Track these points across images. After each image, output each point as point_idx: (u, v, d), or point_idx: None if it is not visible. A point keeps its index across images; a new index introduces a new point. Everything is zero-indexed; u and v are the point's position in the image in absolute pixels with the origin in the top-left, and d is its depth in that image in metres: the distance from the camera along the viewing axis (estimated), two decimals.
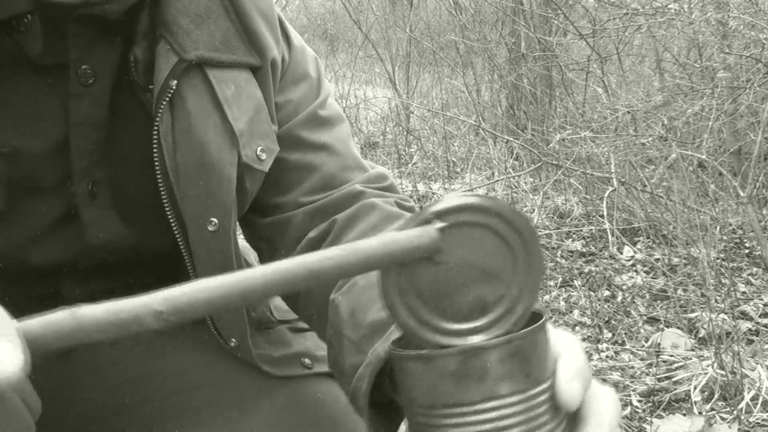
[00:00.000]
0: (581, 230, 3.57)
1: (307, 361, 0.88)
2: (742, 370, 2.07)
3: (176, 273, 0.85)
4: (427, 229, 0.49)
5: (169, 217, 0.77)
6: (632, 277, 3.03)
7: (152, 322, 0.43)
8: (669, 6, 3.86)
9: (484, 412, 0.49)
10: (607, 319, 2.68)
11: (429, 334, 0.50)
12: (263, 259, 0.91)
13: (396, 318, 0.51)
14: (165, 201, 0.76)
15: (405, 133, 5.66)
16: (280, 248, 0.85)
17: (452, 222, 0.50)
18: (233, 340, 0.84)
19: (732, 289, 2.70)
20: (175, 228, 0.77)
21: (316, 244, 0.82)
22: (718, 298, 2.64)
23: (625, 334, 2.56)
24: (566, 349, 0.53)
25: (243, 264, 0.87)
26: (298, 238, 0.84)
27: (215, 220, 0.76)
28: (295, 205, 0.85)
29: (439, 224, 0.49)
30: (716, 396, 2.07)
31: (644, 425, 2.00)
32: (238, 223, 0.88)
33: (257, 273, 0.45)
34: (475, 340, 0.50)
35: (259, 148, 0.79)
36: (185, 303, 0.44)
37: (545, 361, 0.51)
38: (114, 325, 0.43)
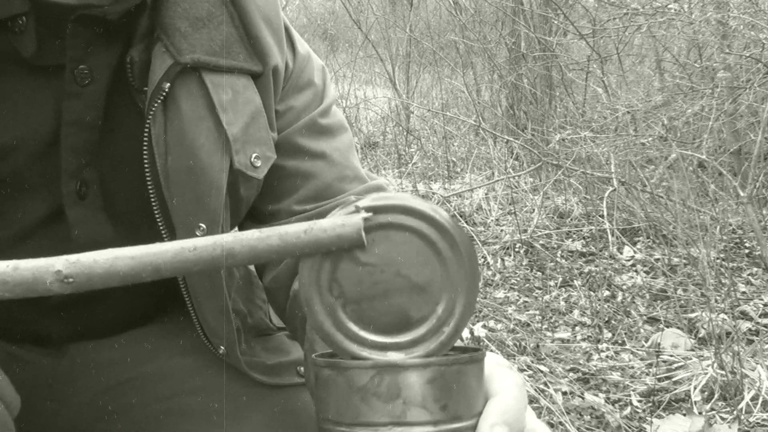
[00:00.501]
0: (581, 230, 3.57)
1: (302, 369, 0.88)
2: (742, 370, 2.07)
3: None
4: (352, 218, 0.45)
5: (158, 220, 0.76)
6: (632, 277, 3.03)
7: (54, 283, 0.42)
8: (669, 6, 3.86)
9: None
10: (607, 319, 2.68)
11: (344, 341, 0.47)
12: (257, 266, 0.91)
13: (311, 315, 0.47)
14: (154, 204, 0.76)
15: (405, 133, 5.66)
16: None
17: (382, 221, 0.46)
18: (222, 347, 0.84)
19: (732, 289, 2.70)
20: (163, 231, 0.77)
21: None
22: (718, 298, 2.64)
23: (625, 334, 2.56)
24: (502, 390, 0.48)
25: (233, 271, 0.86)
26: None
27: (203, 225, 0.75)
28: (289, 213, 0.84)
29: (365, 214, 0.45)
30: (716, 396, 2.07)
31: (644, 425, 2.00)
32: (237, 229, 0.87)
33: (170, 248, 0.43)
34: (393, 357, 0.46)
35: (253, 155, 0.78)
36: (89, 267, 0.42)
37: (471, 399, 0.46)
38: (17, 283, 0.42)
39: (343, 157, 0.87)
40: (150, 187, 0.75)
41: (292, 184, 0.84)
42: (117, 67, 0.75)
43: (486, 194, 4.08)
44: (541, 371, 2.29)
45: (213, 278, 0.78)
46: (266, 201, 0.85)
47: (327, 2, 10.89)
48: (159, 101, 0.73)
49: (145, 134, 0.74)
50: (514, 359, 2.35)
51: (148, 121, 0.73)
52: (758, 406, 1.99)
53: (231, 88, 0.76)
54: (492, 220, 3.82)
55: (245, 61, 0.78)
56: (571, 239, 3.53)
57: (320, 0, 11.05)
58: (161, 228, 0.76)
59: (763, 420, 1.96)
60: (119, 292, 0.83)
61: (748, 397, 2.02)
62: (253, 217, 0.86)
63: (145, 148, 0.74)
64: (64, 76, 0.72)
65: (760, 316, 2.61)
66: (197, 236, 0.74)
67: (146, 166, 0.74)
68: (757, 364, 2.16)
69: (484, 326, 2.61)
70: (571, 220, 3.76)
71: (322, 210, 0.83)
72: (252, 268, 0.94)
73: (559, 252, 3.37)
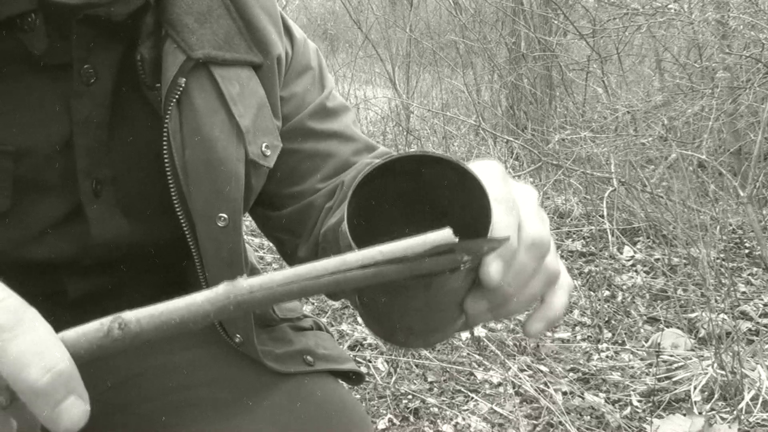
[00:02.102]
0: (581, 230, 3.57)
1: (309, 358, 0.89)
2: (742, 370, 2.07)
3: (182, 268, 0.86)
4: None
5: (178, 213, 0.78)
6: (632, 277, 3.03)
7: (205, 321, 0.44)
8: (669, 6, 3.86)
9: None
10: (607, 319, 2.68)
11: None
12: (284, 250, 0.92)
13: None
14: (174, 198, 0.77)
15: (405, 133, 5.66)
16: (304, 234, 0.87)
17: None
18: (238, 336, 0.85)
19: (732, 289, 2.70)
20: (183, 224, 0.78)
21: (329, 211, 0.85)
22: (718, 298, 2.64)
23: (625, 334, 2.56)
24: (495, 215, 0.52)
25: (249, 261, 0.88)
26: (317, 219, 0.86)
27: (224, 215, 0.77)
28: (313, 191, 0.87)
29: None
30: (716, 396, 2.07)
31: (644, 425, 2.00)
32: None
33: (324, 274, 0.45)
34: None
35: (263, 145, 0.80)
36: (249, 304, 0.44)
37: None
38: (172, 327, 0.43)
39: (353, 132, 0.91)
40: (170, 181, 0.76)
41: (313, 164, 0.87)
42: (123, 64, 0.75)
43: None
44: (541, 371, 2.29)
45: (233, 268, 0.80)
46: (287, 185, 0.87)
47: (327, 2, 10.89)
48: (176, 97, 0.74)
49: (164, 130, 0.75)
50: (514, 359, 2.35)
51: (167, 118, 0.74)
52: (758, 406, 1.99)
53: (237, 81, 0.78)
54: None
55: (246, 53, 0.80)
56: (571, 239, 3.53)
57: (320, 0, 11.05)
58: (181, 220, 0.78)
59: (763, 420, 1.96)
60: (134, 289, 0.84)
61: (748, 397, 2.02)
62: (272, 204, 0.89)
63: (164, 143, 0.75)
64: (71, 76, 0.72)
65: (760, 316, 2.61)
66: (219, 226, 0.77)
67: (165, 160, 0.76)
68: (757, 364, 2.16)
69: (484, 326, 2.61)
70: (571, 220, 3.76)
71: (340, 179, 0.86)
72: (254, 260, 0.95)
73: (559, 252, 3.37)
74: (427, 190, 0.56)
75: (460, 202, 0.55)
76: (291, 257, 0.92)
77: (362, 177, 0.52)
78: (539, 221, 0.56)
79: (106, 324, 0.42)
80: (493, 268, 0.52)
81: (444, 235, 0.46)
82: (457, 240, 0.46)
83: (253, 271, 0.93)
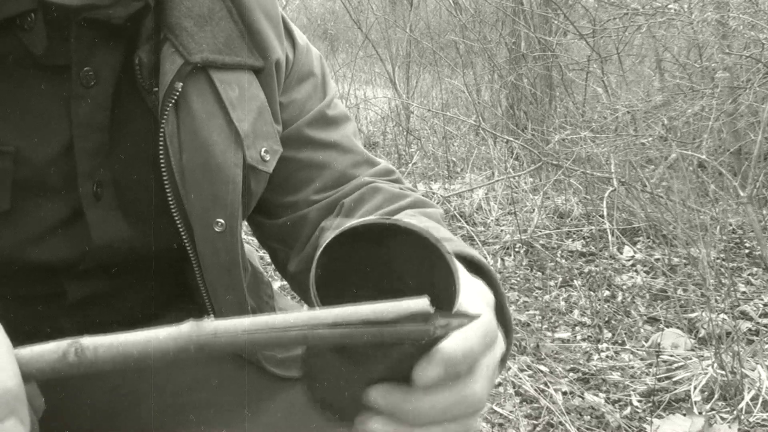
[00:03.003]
0: (581, 230, 3.57)
1: None
2: (742, 370, 2.07)
3: (181, 272, 0.85)
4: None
5: (175, 217, 0.77)
6: (632, 277, 3.03)
7: (245, 346, 0.44)
8: (669, 6, 3.87)
9: None
10: (607, 319, 2.68)
11: None
12: (276, 259, 0.91)
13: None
14: (171, 202, 0.77)
15: (405, 133, 5.66)
16: (296, 246, 0.86)
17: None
18: None
19: (732, 289, 2.70)
20: (181, 228, 0.78)
21: (325, 232, 0.83)
22: (718, 298, 2.64)
23: (625, 334, 2.56)
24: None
25: (248, 265, 0.88)
26: (311, 234, 0.85)
27: (221, 220, 0.77)
28: (308, 203, 0.85)
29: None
30: (716, 396, 2.07)
31: (644, 425, 2.00)
32: (246, 224, 0.88)
33: (326, 323, 0.44)
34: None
35: (263, 149, 0.80)
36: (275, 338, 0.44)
37: None
38: (214, 349, 0.43)
39: (352, 143, 0.90)
40: (166, 185, 0.76)
41: (308, 174, 0.86)
42: (122, 67, 0.75)
43: (486, 194, 4.08)
44: (541, 371, 2.29)
45: (232, 272, 0.80)
46: (282, 194, 0.86)
47: (327, 2, 10.89)
48: (172, 101, 0.74)
49: (160, 134, 0.75)
50: (514, 359, 2.35)
51: (163, 122, 0.74)
52: (758, 406, 1.99)
53: (237, 85, 0.78)
54: (492, 220, 3.82)
55: (248, 57, 0.79)
56: (571, 239, 3.53)
57: (320, 0, 11.05)
58: (178, 224, 0.78)
59: (763, 420, 1.96)
60: (133, 292, 0.84)
61: (748, 397, 2.02)
62: (268, 212, 0.88)
63: (160, 147, 0.75)
64: (71, 78, 0.72)
65: (760, 316, 2.61)
66: (216, 231, 0.77)
67: (162, 164, 0.75)
68: (757, 364, 2.16)
69: None
70: (571, 220, 3.76)
71: (341, 193, 0.85)
72: (256, 262, 0.95)
73: (559, 252, 3.37)
74: (394, 260, 0.54)
75: (428, 280, 0.52)
76: (282, 268, 0.91)
77: (330, 239, 0.50)
78: (491, 377, 0.54)
79: (62, 347, 0.42)
80: (431, 369, 0.49)
81: (421, 304, 0.44)
82: (433, 311, 0.44)
83: (254, 275, 0.92)
